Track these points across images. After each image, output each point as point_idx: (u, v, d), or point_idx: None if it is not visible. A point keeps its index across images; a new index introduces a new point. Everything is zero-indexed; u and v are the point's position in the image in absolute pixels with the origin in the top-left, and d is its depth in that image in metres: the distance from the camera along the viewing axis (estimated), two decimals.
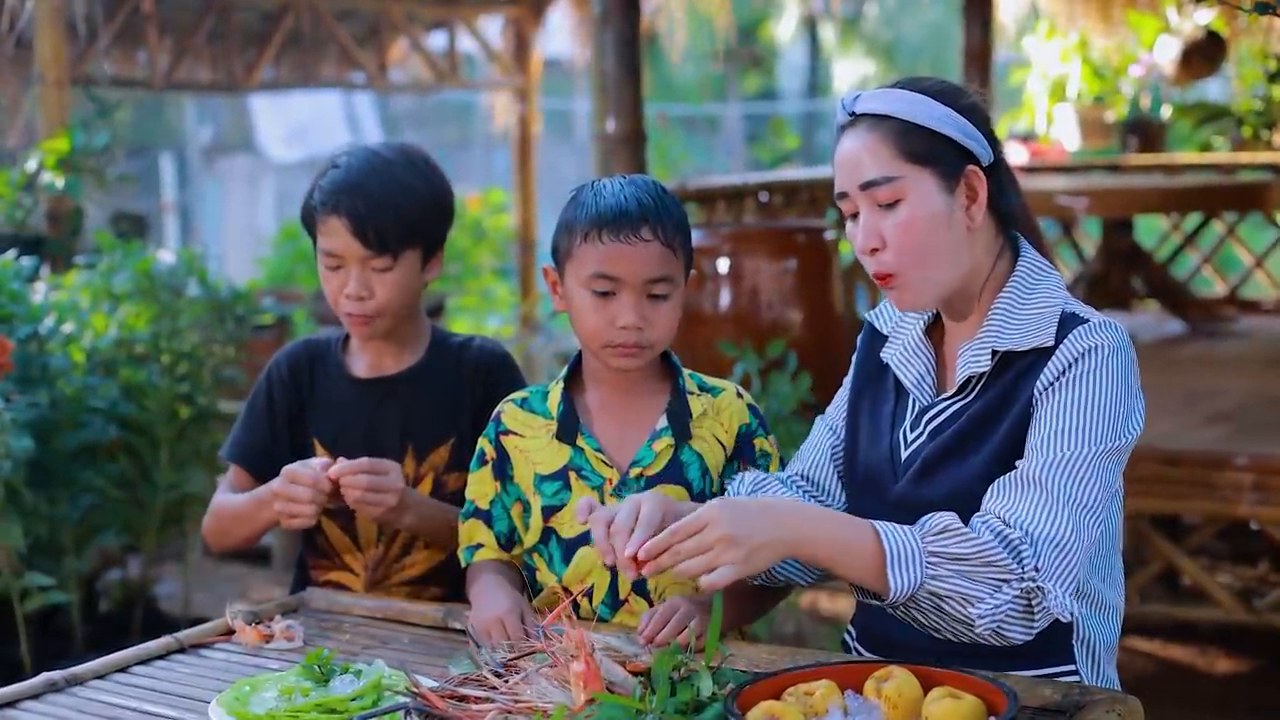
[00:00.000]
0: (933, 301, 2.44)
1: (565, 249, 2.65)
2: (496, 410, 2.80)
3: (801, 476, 2.65)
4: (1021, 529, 2.23)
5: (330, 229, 2.91)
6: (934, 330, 2.55)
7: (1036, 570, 2.20)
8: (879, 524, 2.24)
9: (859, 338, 2.65)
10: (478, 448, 2.80)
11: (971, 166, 2.38)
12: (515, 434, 2.75)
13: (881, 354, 2.57)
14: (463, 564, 2.80)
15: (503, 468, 2.76)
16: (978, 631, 2.24)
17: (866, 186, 2.37)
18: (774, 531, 2.18)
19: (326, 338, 3.14)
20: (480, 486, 2.78)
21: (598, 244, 2.59)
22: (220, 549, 3.09)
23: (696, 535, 2.15)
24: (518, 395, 2.80)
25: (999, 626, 2.23)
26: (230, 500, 3.02)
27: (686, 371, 2.76)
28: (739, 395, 2.77)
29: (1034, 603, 2.22)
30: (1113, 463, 2.31)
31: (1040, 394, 2.32)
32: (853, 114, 2.41)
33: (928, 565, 2.21)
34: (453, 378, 3.04)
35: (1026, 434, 2.33)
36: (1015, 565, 2.20)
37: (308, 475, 2.78)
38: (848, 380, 2.67)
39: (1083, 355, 2.30)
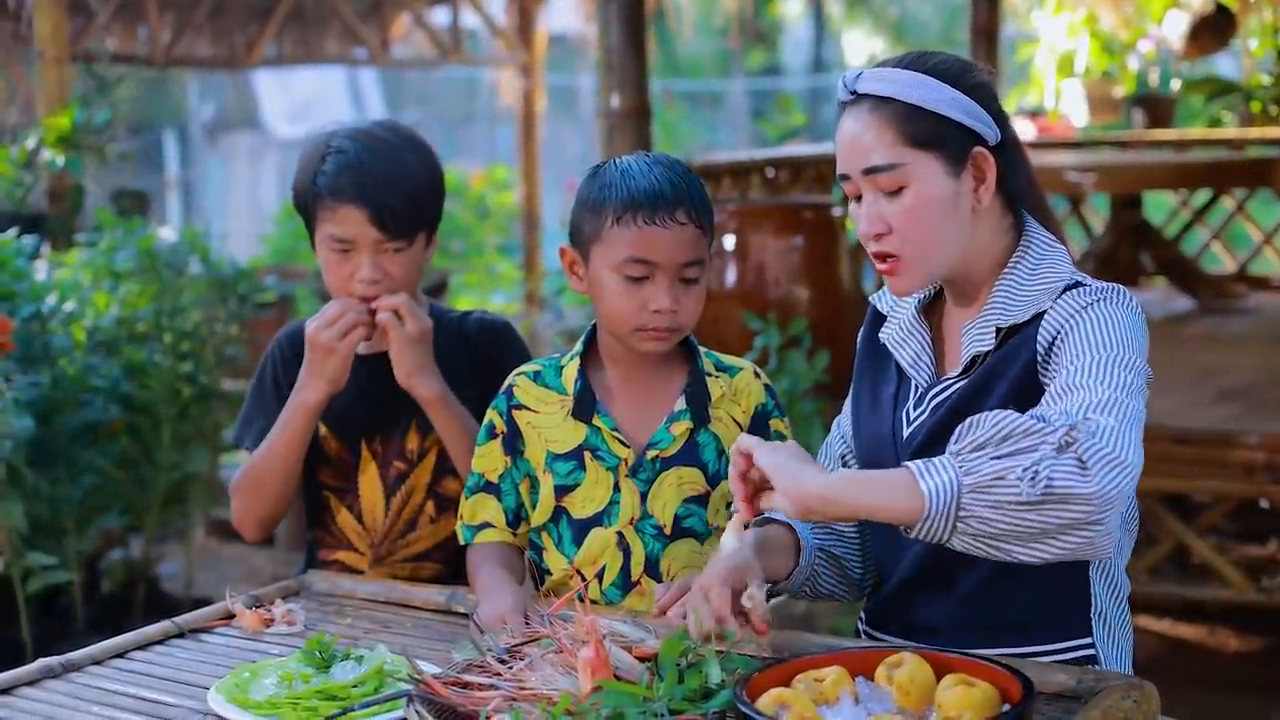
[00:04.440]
0: (926, 283, 2.40)
1: (592, 231, 2.59)
2: (508, 383, 2.75)
3: None
4: (1063, 415, 2.06)
5: (343, 216, 2.86)
6: (931, 308, 2.51)
7: (1071, 428, 2.02)
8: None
9: (864, 320, 2.61)
10: (486, 420, 2.75)
11: (979, 148, 2.32)
12: (528, 409, 2.71)
13: (879, 335, 2.53)
14: (462, 541, 2.76)
15: (514, 443, 2.71)
16: (1036, 493, 1.99)
17: (870, 172, 2.31)
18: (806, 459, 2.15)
19: None
20: (489, 460, 2.73)
21: (632, 227, 2.53)
22: (258, 522, 2.98)
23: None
24: (529, 368, 2.75)
25: (1050, 481, 1.98)
26: (248, 462, 2.98)
27: (703, 350, 2.72)
28: (756, 375, 2.74)
29: (1078, 449, 2.01)
30: (1140, 385, 2.18)
31: (1046, 349, 2.25)
32: (854, 92, 2.34)
33: (959, 464, 2.04)
34: (456, 350, 3.01)
35: (1028, 393, 2.25)
36: (1043, 425, 2.02)
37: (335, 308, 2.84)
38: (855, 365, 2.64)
39: (1090, 304, 2.25)
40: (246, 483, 2.96)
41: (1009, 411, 2.06)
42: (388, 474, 3.00)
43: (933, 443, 2.36)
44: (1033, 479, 1.98)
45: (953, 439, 2.09)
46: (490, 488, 2.72)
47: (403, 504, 3.00)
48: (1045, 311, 2.29)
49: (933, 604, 2.36)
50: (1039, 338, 2.27)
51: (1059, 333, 2.26)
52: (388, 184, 2.85)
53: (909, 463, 2.08)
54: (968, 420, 2.08)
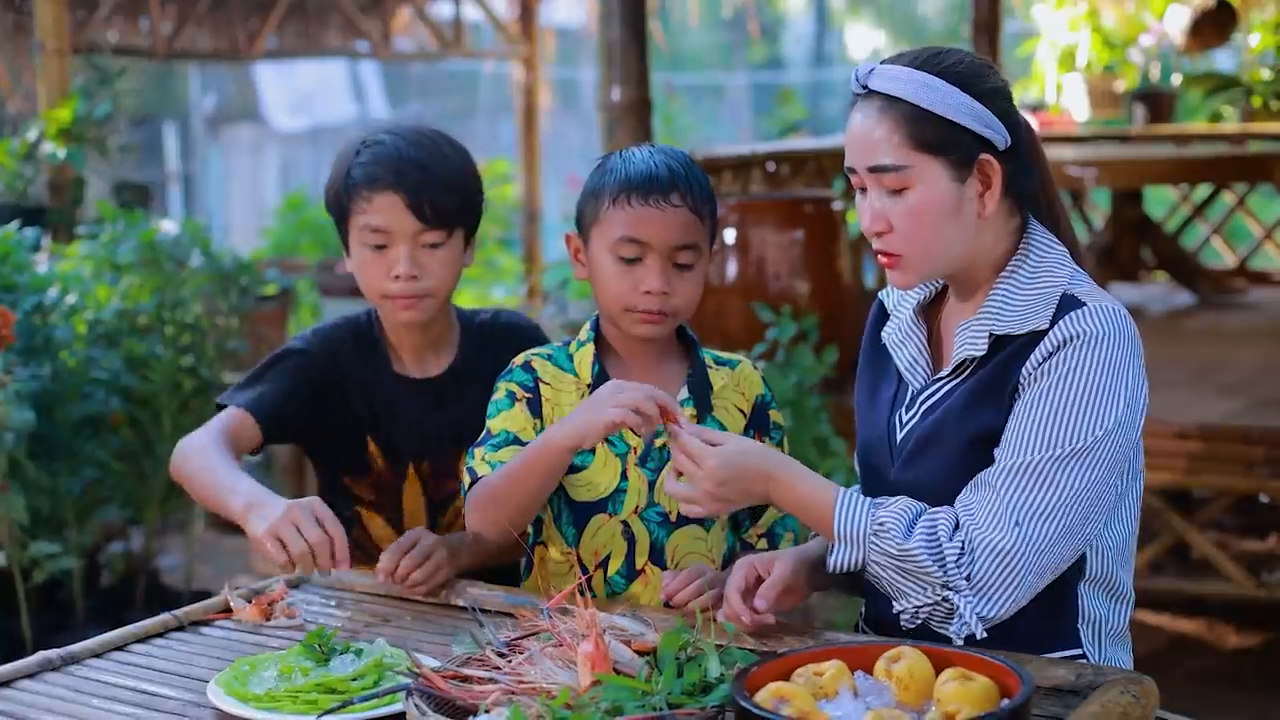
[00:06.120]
0: (927, 279, 2.41)
1: (591, 214, 2.64)
2: (524, 359, 2.74)
3: None
4: (965, 534, 2.22)
5: (379, 205, 2.81)
6: (932, 307, 2.50)
7: (966, 580, 2.21)
8: (841, 499, 2.28)
9: (869, 316, 2.61)
10: (504, 390, 2.71)
11: (985, 155, 2.30)
12: (547, 384, 2.71)
13: (882, 334, 2.54)
14: (475, 478, 2.64)
15: (538, 407, 2.68)
16: (902, 621, 2.29)
17: (875, 170, 2.31)
18: (749, 498, 2.35)
19: (368, 324, 3.00)
20: (517, 420, 2.67)
21: (626, 208, 2.58)
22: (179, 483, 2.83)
23: (693, 469, 2.31)
24: (542, 350, 2.77)
25: (925, 622, 2.28)
26: (209, 463, 2.72)
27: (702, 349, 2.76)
28: (755, 368, 2.78)
29: (958, 598, 2.23)
30: (1088, 460, 2.23)
31: (1025, 379, 2.28)
32: (866, 87, 2.33)
33: (870, 549, 2.26)
34: (485, 353, 2.96)
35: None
36: (938, 573, 2.21)
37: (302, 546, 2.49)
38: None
39: (1068, 341, 2.24)
40: (181, 466, 2.78)
41: (916, 545, 2.22)
42: (436, 493, 2.96)
43: (921, 449, 2.38)
44: (911, 617, 2.28)
45: (875, 512, 2.26)
46: (524, 444, 2.64)
47: (451, 522, 2.97)
48: (1041, 337, 2.27)
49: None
50: (1024, 370, 2.28)
51: (1034, 370, 2.27)
52: (426, 170, 2.81)
53: (837, 513, 2.28)
54: (883, 516, 2.25)
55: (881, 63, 2.35)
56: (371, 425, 2.97)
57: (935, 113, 2.28)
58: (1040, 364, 2.26)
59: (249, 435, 2.87)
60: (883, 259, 2.37)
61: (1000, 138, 2.31)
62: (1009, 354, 2.30)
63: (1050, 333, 2.26)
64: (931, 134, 2.28)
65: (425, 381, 2.98)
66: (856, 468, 2.61)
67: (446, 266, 2.86)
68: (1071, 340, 2.24)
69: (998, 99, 2.32)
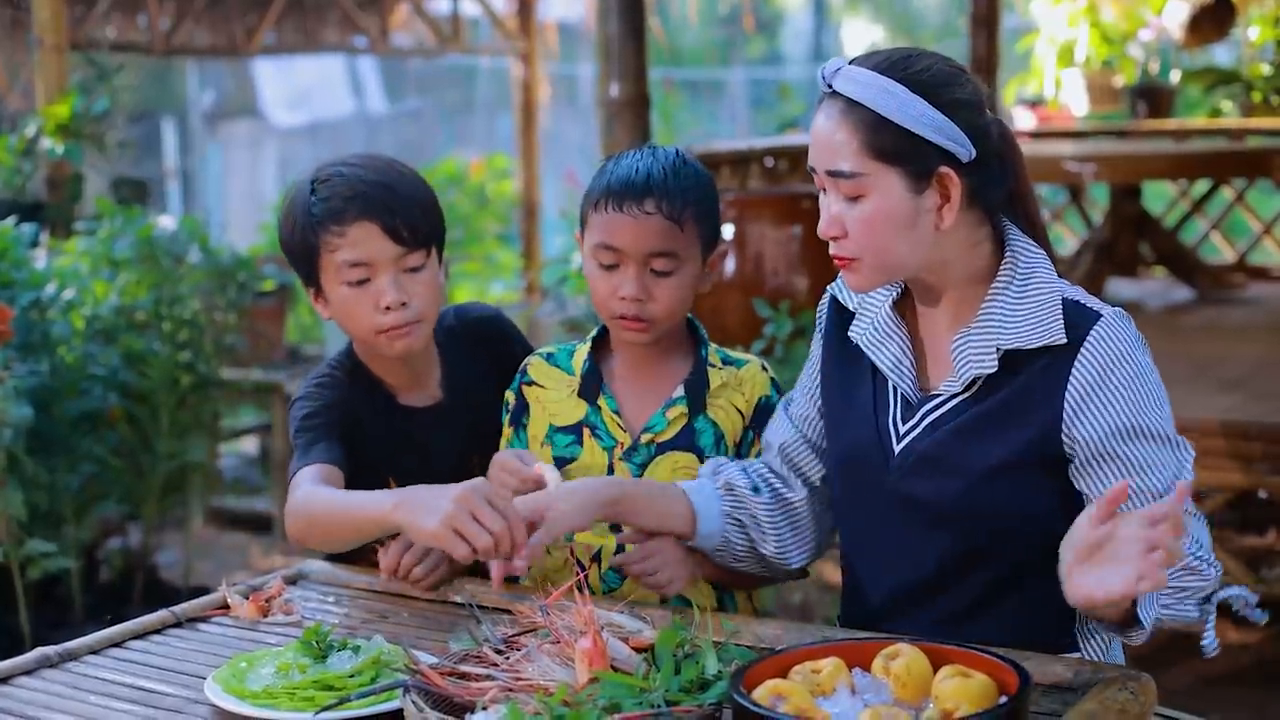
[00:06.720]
0: (883, 284, 2.37)
1: (583, 217, 2.67)
2: (524, 363, 2.81)
3: (768, 469, 2.61)
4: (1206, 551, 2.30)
5: (354, 237, 2.71)
6: (903, 305, 2.46)
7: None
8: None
9: (821, 312, 2.57)
10: (504, 402, 2.82)
11: (945, 168, 2.25)
12: (538, 385, 2.76)
13: (850, 333, 2.48)
14: None
15: (519, 416, 2.77)
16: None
17: (832, 174, 2.28)
18: None
19: (354, 361, 2.90)
20: (507, 439, 2.80)
21: (604, 214, 2.60)
22: (315, 547, 2.74)
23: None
24: (544, 350, 2.81)
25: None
26: (330, 498, 2.59)
27: (712, 346, 2.75)
28: (763, 369, 2.76)
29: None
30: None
31: (1077, 409, 2.25)
32: (831, 86, 2.29)
33: (1168, 599, 2.28)
34: (462, 351, 2.95)
35: (1049, 443, 2.28)
36: (1206, 580, 2.33)
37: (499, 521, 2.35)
38: (814, 358, 2.60)
39: (1116, 362, 2.24)
40: (304, 524, 2.62)
41: (1208, 572, 2.30)
42: None
43: (927, 465, 2.34)
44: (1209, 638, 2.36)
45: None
46: None
47: None
48: (1064, 354, 2.25)
49: (913, 625, 2.34)
50: (1069, 401, 2.26)
51: (1085, 398, 2.25)
52: (393, 191, 2.73)
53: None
54: (1189, 559, 2.22)
55: (850, 62, 2.29)
56: (390, 466, 2.86)
57: (894, 121, 2.23)
58: (1095, 388, 2.24)
59: (337, 485, 2.71)
60: (837, 261, 2.34)
61: (964, 150, 2.26)
62: (1030, 372, 2.28)
63: (1083, 355, 2.24)
64: (889, 143, 2.24)
65: (427, 409, 2.92)
66: (832, 471, 2.55)
67: (430, 288, 2.77)
68: (1120, 362, 2.24)
69: (964, 110, 2.27)
